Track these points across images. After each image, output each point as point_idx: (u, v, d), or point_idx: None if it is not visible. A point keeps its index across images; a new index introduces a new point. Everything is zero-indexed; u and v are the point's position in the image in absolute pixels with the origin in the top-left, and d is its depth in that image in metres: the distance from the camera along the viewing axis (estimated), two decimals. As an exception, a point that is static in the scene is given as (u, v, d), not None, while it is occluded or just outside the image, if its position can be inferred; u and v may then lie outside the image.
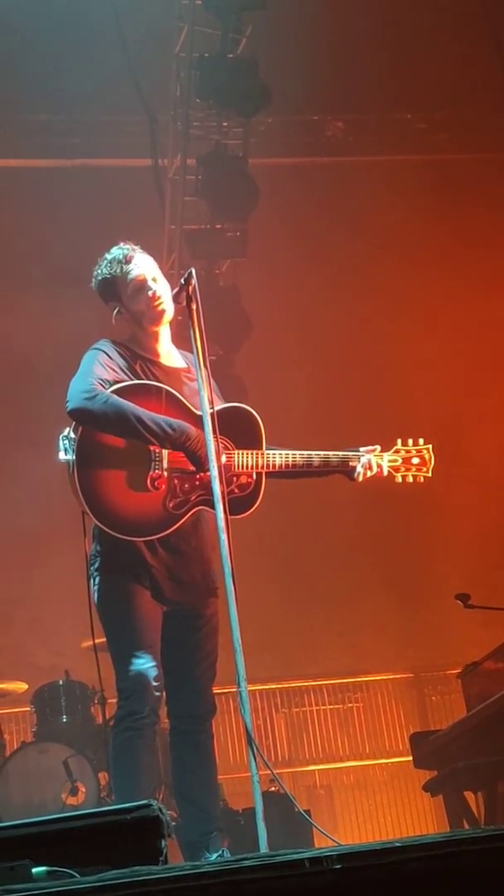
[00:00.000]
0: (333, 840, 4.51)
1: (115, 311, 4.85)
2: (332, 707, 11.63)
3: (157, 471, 4.60)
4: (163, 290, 4.79)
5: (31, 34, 9.37)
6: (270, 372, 11.13)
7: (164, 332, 4.87)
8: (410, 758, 6.67)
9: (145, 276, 4.81)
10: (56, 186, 10.79)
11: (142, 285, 4.79)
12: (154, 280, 4.80)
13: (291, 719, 11.53)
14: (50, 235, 10.55)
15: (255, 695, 10.71)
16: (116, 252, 4.88)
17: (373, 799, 11.24)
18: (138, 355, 4.82)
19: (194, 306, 4.48)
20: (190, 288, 4.51)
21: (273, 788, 6.58)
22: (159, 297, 4.77)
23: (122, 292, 4.83)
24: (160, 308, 4.73)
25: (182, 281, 4.59)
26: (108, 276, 4.85)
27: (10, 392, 10.71)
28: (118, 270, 4.83)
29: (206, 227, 10.26)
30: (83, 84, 10.09)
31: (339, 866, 2.31)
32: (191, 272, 4.55)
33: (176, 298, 4.65)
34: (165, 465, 4.60)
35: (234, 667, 3.97)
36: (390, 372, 11.31)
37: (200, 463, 4.55)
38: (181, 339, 4.89)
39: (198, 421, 4.52)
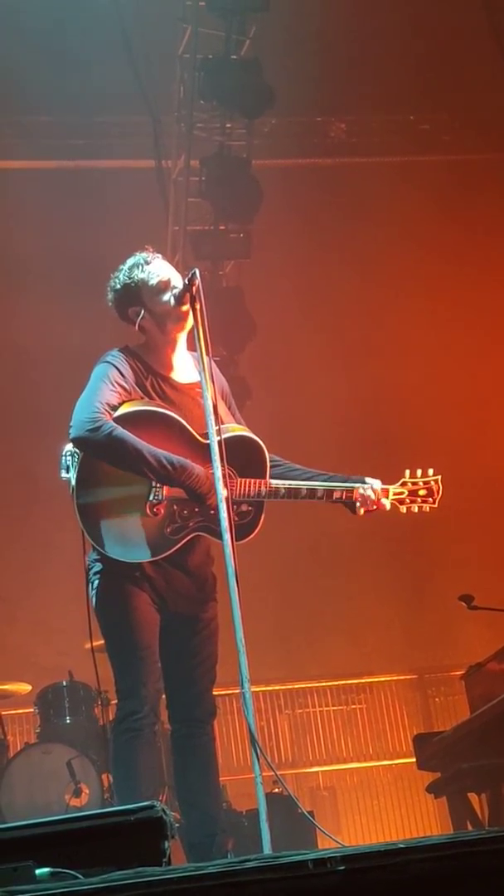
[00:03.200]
0: (337, 841, 4.51)
1: (139, 317, 4.82)
2: (335, 708, 11.64)
3: (156, 498, 4.61)
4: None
5: (35, 36, 9.37)
6: (274, 373, 11.14)
7: (182, 339, 4.84)
8: (414, 759, 6.66)
9: (170, 277, 4.81)
10: (59, 188, 10.79)
11: (166, 286, 4.78)
12: (177, 282, 4.79)
13: (295, 720, 11.53)
14: (53, 237, 10.56)
15: (258, 696, 10.72)
16: (135, 258, 4.87)
17: (376, 800, 11.24)
18: (151, 369, 4.80)
19: (198, 307, 4.48)
20: (194, 288, 4.51)
21: (276, 790, 6.59)
22: (177, 296, 4.75)
23: (144, 295, 4.80)
24: (185, 308, 4.70)
25: (186, 281, 4.60)
26: (128, 281, 4.82)
27: (14, 392, 10.72)
28: (140, 274, 4.81)
29: (209, 229, 10.27)
30: (86, 85, 10.09)
31: (342, 868, 2.31)
32: (194, 272, 4.55)
33: (180, 299, 4.66)
34: (165, 493, 4.61)
35: (238, 668, 3.97)
36: (395, 372, 11.31)
37: (201, 500, 4.57)
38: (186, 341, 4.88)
39: (203, 449, 4.53)
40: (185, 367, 4.89)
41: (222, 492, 4.22)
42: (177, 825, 4.29)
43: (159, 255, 4.92)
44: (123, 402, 4.65)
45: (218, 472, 4.23)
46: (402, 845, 2.38)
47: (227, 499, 4.22)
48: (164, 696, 4.91)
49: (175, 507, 4.63)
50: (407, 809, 11.08)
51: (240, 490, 4.66)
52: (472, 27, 10.17)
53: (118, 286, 4.85)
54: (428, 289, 11.43)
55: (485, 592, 6.23)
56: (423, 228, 11.27)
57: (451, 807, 6.26)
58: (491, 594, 6.33)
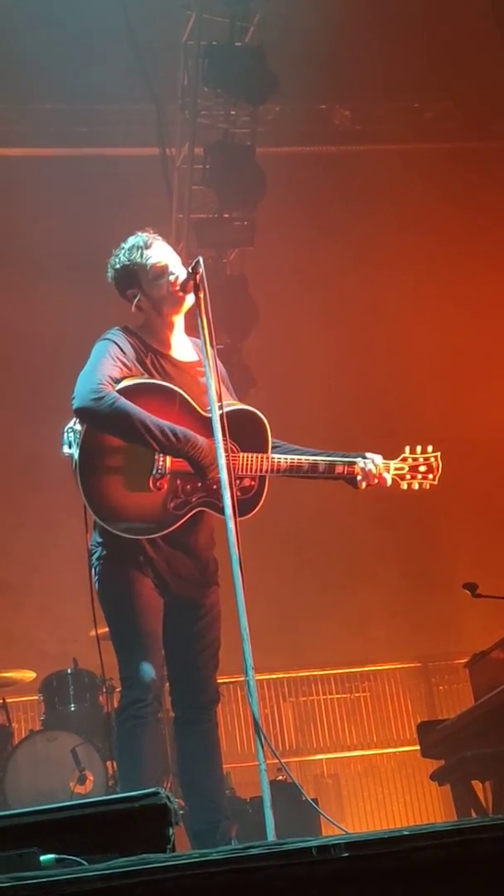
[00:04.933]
0: (341, 828, 4.52)
1: (136, 299, 4.82)
2: (339, 696, 11.65)
3: (159, 472, 4.59)
4: (183, 277, 4.76)
5: (39, 23, 9.35)
6: (278, 360, 11.13)
7: (180, 321, 4.84)
8: (418, 747, 6.67)
9: (167, 262, 4.80)
10: (63, 175, 10.77)
11: (163, 270, 4.78)
12: (175, 266, 4.79)
13: (299, 708, 11.54)
14: (56, 224, 10.54)
15: (262, 684, 10.73)
16: (136, 239, 4.87)
17: (380, 788, 11.26)
18: (150, 347, 4.80)
19: (202, 295, 4.48)
20: (197, 276, 4.51)
21: (281, 777, 6.60)
22: (180, 283, 4.75)
23: (142, 278, 4.80)
24: (181, 294, 4.70)
25: (189, 269, 4.60)
26: (127, 262, 4.83)
27: (20, 377, 10.72)
28: (138, 257, 4.81)
29: (213, 216, 10.24)
30: (90, 73, 10.06)
31: (346, 854, 2.31)
32: (198, 261, 4.55)
33: (183, 287, 4.66)
34: (168, 466, 4.60)
35: (242, 656, 3.97)
36: (399, 359, 11.31)
37: (203, 472, 4.55)
38: (189, 328, 4.89)
39: (205, 422, 4.53)
40: (183, 346, 4.89)
41: (225, 479, 4.20)
42: (181, 812, 4.31)
43: (159, 237, 4.91)
44: (125, 376, 4.64)
45: (222, 461, 4.22)
46: (406, 832, 2.38)
47: (230, 483, 4.21)
48: (167, 683, 4.92)
49: (178, 481, 4.62)
50: (411, 797, 11.10)
51: (242, 465, 4.65)
52: (476, 14, 10.12)
53: (118, 266, 4.86)
54: (432, 276, 11.41)
55: (489, 580, 6.23)
56: (427, 215, 11.25)
57: (455, 794, 6.27)
58: (495, 582, 6.33)
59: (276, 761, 4.28)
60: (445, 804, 9.32)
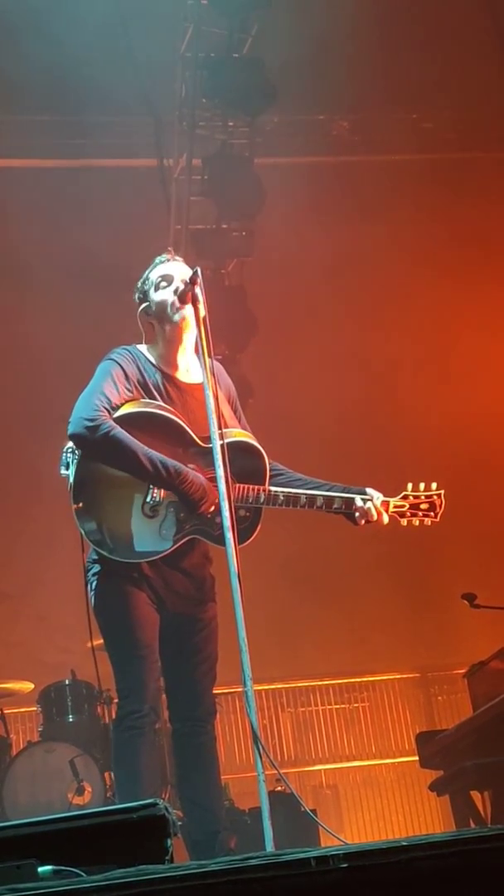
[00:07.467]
0: (340, 839, 4.52)
1: (146, 315, 4.86)
2: (338, 707, 11.63)
3: (153, 500, 4.61)
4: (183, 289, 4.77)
5: (36, 34, 9.36)
6: (276, 371, 11.12)
7: (188, 340, 4.83)
8: (417, 757, 6.67)
9: (173, 275, 4.82)
10: (61, 187, 10.78)
11: (164, 280, 4.82)
12: (182, 281, 4.79)
13: (297, 719, 11.52)
14: (55, 236, 10.55)
15: (261, 694, 10.71)
16: (156, 259, 4.94)
17: (379, 798, 11.23)
18: (156, 367, 4.82)
19: (200, 305, 4.49)
20: (195, 287, 4.51)
21: (279, 788, 6.59)
22: (179, 293, 4.76)
23: (150, 293, 4.86)
24: (183, 307, 4.70)
25: (187, 280, 4.61)
26: (143, 280, 4.91)
27: (19, 389, 10.71)
28: (150, 273, 4.90)
29: (211, 227, 10.25)
30: (88, 84, 10.06)
31: (345, 865, 2.31)
32: (196, 271, 4.56)
33: (182, 297, 4.66)
34: (162, 494, 4.62)
35: (240, 667, 3.97)
36: (396, 370, 11.31)
37: (193, 506, 4.57)
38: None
39: (201, 451, 4.56)
40: (190, 367, 4.89)
41: (224, 490, 4.20)
42: (179, 823, 4.30)
43: (179, 258, 4.96)
44: (126, 400, 4.65)
45: (220, 471, 4.22)
46: (404, 843, 2.38)
47: (228, 498, 4.21)
48: (164, 696, 4.92)
49: (172, 509, 4.63)
50: (410, 807, 11.08)
51: (238, 495, 4.64)
52: (475, 25, 10.15)
53: (138, 283, 4.94)
54: (431, 288, 11.41)
55: (487, 591, 6.23)
56: (427, 226, 11.25)
57: (454, 805, 6.27)
58: (493, 593, 6.34)
59: (275, 772, 4.28)
60: (444, 815, 9.31)
